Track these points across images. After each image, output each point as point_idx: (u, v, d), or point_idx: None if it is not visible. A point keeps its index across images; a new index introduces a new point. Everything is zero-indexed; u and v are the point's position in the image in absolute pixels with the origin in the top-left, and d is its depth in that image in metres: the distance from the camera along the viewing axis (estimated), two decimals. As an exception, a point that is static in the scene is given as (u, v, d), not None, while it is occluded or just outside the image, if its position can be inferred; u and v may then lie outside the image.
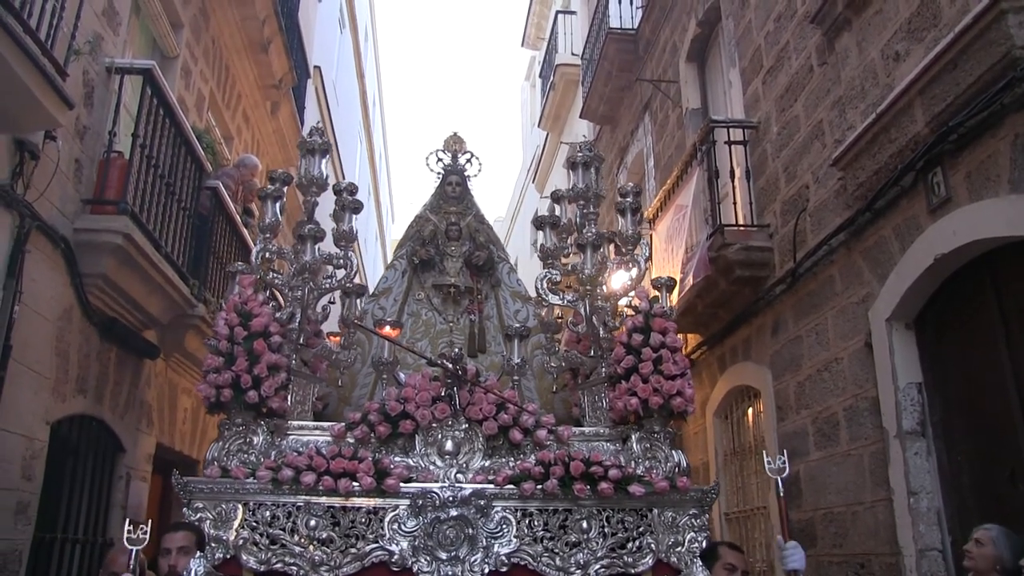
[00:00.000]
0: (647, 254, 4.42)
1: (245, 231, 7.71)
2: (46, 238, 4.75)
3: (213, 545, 3.48)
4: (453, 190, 5.01)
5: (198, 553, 3.25)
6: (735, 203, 6.64)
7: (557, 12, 15.17)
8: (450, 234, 4.91)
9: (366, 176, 22.05)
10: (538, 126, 17.17)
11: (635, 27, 10.36)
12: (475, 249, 4.85)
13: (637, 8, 10.39)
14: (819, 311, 5.59)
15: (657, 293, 4.15)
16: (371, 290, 5.09)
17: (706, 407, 7.59)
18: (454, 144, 5.06)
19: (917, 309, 4.69)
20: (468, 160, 5.05)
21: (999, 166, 3.92)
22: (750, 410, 7.00)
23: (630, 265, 4.32)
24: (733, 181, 6.70)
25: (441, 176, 5.04)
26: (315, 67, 12.69)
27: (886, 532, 4.70)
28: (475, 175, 5.03)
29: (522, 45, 20.03)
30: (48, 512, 5.01)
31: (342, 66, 17.19)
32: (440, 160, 5.04)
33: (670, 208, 7.35)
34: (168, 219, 5.86)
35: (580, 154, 4.50)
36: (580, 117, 12.65)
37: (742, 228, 6.46)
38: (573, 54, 13.95)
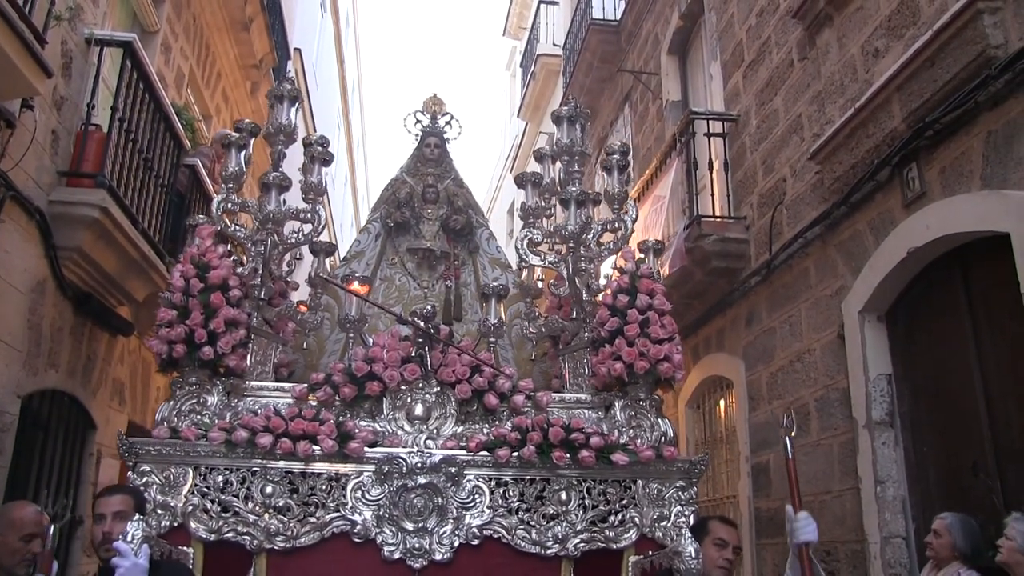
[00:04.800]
0: (634, 215, 4.11)
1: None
2: (20, 209, 4.68)
3: (160, 512, 3.23)
4: (431, 152, 4.81)
5: (136, 516, 2.92)
6: (713, 195, 6.71)
7: (540, 2, 15.15)
8: (427, 196, 4.67)
9: (344, 163, 21.88)
10: (517, 116, 17.17)
11: (618, 18, 10.41)
12: (453, 213, 4.62)
13: (620, -1, 10.43)
14: (793, 303, 5.67)
15: (643, 256, 3.91)
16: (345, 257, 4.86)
17: (678, 397, 7.67)
18: (433, 105, 4.89)
19: (889, 302, 4.78)
20: (448, 122, 4.87)
21: (972, 162, 4.01)
22: (722, 401, 7.09)
23: (616, 225, 4.03)
24: (711, 173, 6.77)
25: (419, 138, 4.84)
26: (295, 50, 12.57)
27: (852, 520, 4.80)
28: (455, 138, 4.86)
29: (503, 35, 20.01)
30: (17, 487, 4.92)
31: (322, 51, 17.05)
32: (418, 122, 4.84)
33: (648, 199, 7.40)
34: (146, 195, 5.79)
35: (566, 108, 4.21)
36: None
37: (719, 219, 6.53)
38: (555, 44, 13.96)
